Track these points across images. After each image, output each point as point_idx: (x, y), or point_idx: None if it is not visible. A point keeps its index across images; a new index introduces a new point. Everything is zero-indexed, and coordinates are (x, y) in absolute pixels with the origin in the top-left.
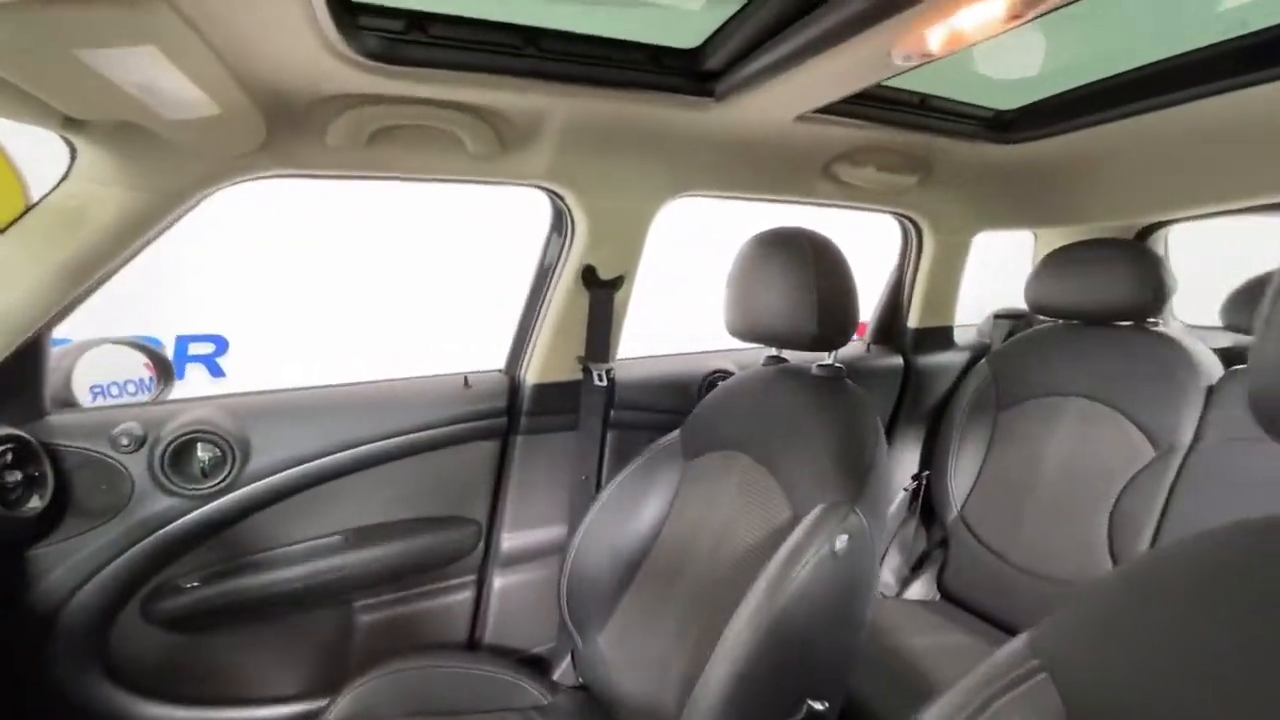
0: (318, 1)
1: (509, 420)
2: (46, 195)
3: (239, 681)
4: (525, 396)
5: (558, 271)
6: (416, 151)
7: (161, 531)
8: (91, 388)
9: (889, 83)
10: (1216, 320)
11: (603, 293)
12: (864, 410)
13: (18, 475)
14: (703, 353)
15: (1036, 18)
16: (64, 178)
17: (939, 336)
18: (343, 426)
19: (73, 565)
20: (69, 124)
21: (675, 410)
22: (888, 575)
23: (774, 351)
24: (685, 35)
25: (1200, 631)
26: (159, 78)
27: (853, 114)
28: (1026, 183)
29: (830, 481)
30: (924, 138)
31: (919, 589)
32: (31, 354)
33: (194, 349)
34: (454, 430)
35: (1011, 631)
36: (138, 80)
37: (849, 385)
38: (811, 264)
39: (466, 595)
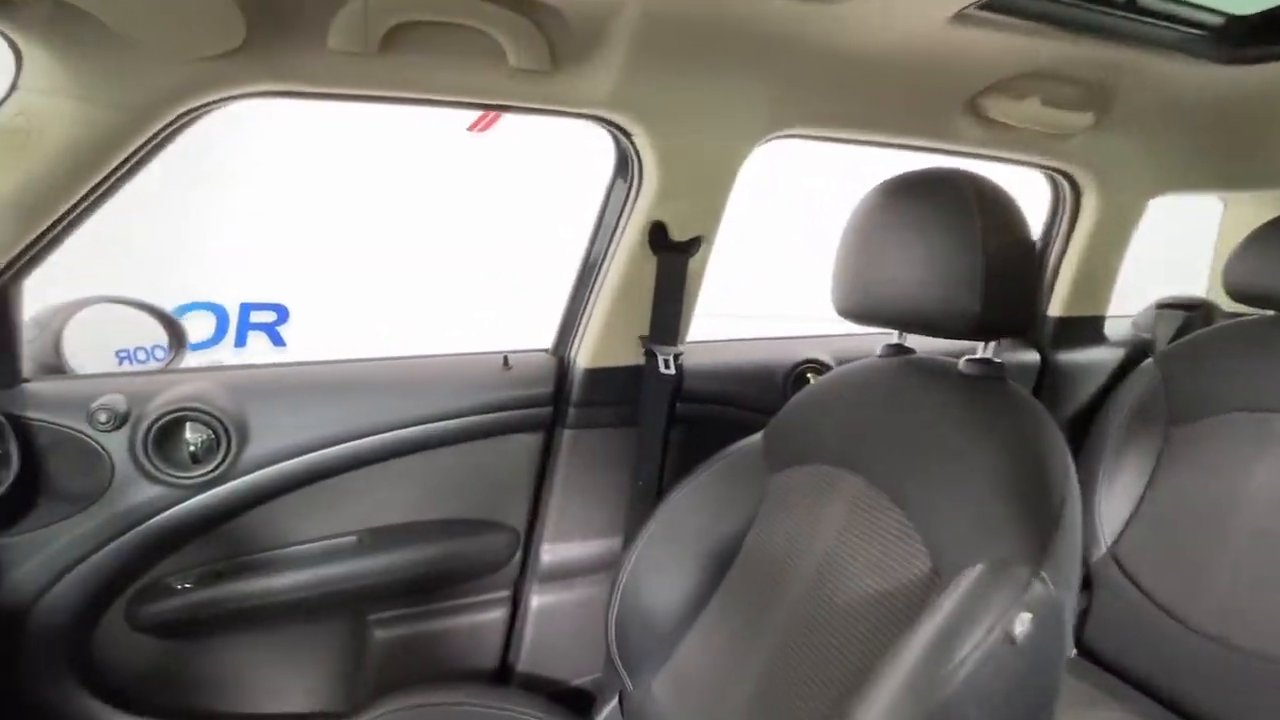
0: None
1: (555, 410)
2: None
3: (236, 698)
4: (575, 382)
5: (619, 230)
6: (443, 62)
7: (147, 524)
8: (118, 352)
9: None
10: None
11: (674, 258)
12: (1046, 430)
13: None
14: (791, 338)
15: None
16: (10, 89)
17: (1088, 328)
18: (359, 409)
19: (44, 559)
20: (4, 9)
21: (755, 408)
22: None
23: (895, 338)
24: None
25: None
26: None
27: (1029, 12)
28: (1239, 127)
29: (1000, 530)
30: (1116, 52)
31: None
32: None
33: (256, 317)
34: (490, 419)
35: (1189, 716)
36: None
37: (1016, 391)
38: (977, 217)
39: (499, 615)
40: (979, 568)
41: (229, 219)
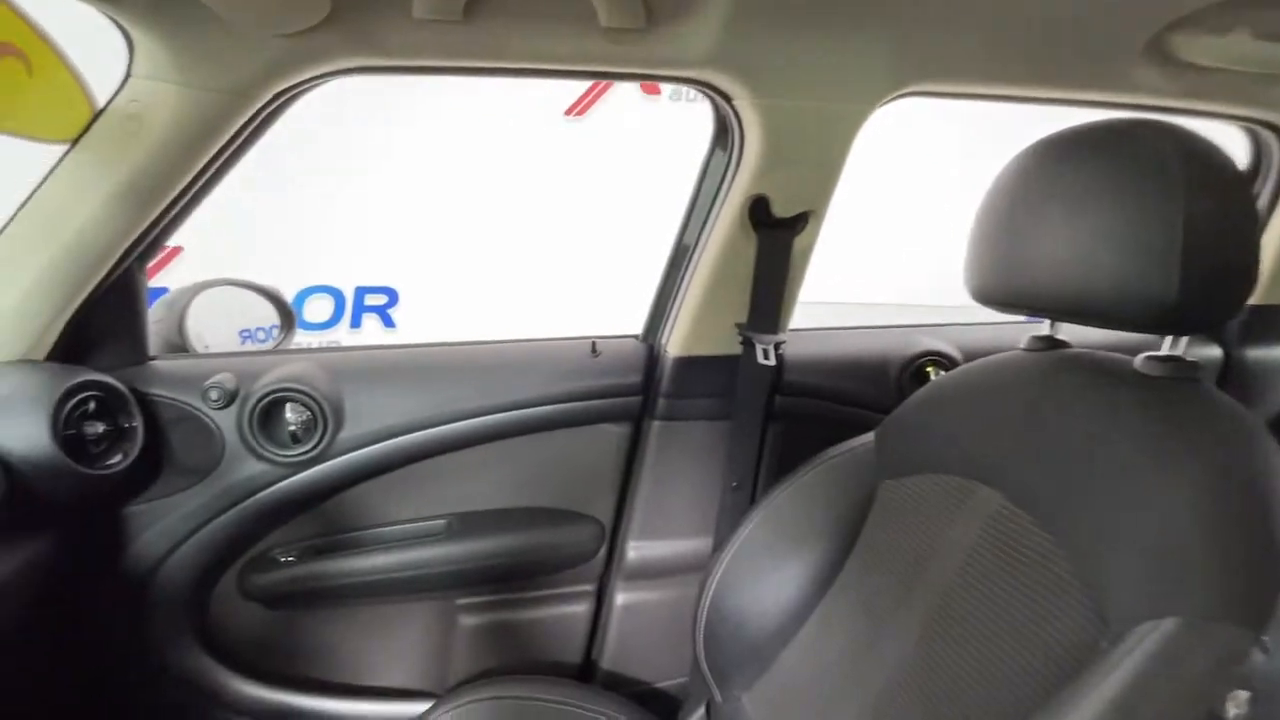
0: None
1: (644, 400)
2: (111, 99)
3: (334, 669)
4: (666, 371)
5: (716, 207)
6: (531, 27)
7: (254, 499)
8: (240, 332)
9: None
10: None
11: (777, 236)
12: (1263, 449)
13: (99, 427)
14: (909, 327)
15: None
16: (126, 77)
17: None
18: (449, 394)
19: (165, 527)
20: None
21: (864, 404)
22: None
23: (1045, 330)
24: None
25: None
26: None
27: None
28: None
29: (1198, 576)
30: None
31: None
32: (124, 290)
33: (369, 300)
34: (578, 407)
35: None
36: None
37: (1219, 398)
38: (1178, 179)
39: (584, 609)
40: (1169, 623)
41: (345, 206)
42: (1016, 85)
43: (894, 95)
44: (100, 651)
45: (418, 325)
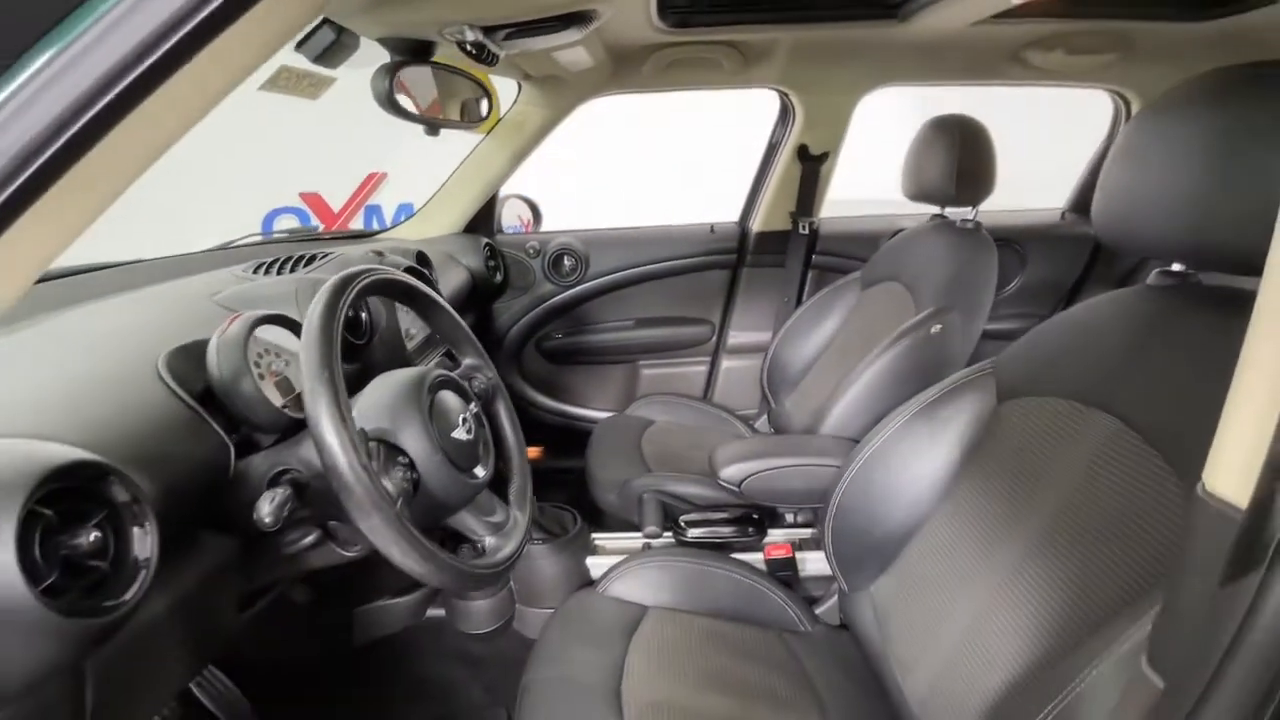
0: (650, 3)
1: (738, 257)
2: (506, 113)
3: (580, 398)
4: (751, 240)
5: (781, 150)
6: (692, 72)
7: (547, 303)
8: (507, 227)
9: None
10: None
11: (812, 165)
12: None
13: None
14: (890, 215)
15: None
16: (514, 103)
17: None
18: (636, 252)
19: (510, 315)
20: (526, 77)
21: (858, 258)
22: None
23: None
24: None
25: None
26: (575, 55)
27: (1029, 13)
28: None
29: None
30: (1111, 25)
31: None
32: (492, 201)
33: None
34: (702, 260)
35: None
36: (567, 59)
37: None
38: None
39: (703, 368)
40: None
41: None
42: (937, 81)
43: (871, 90)
44: None
45: None
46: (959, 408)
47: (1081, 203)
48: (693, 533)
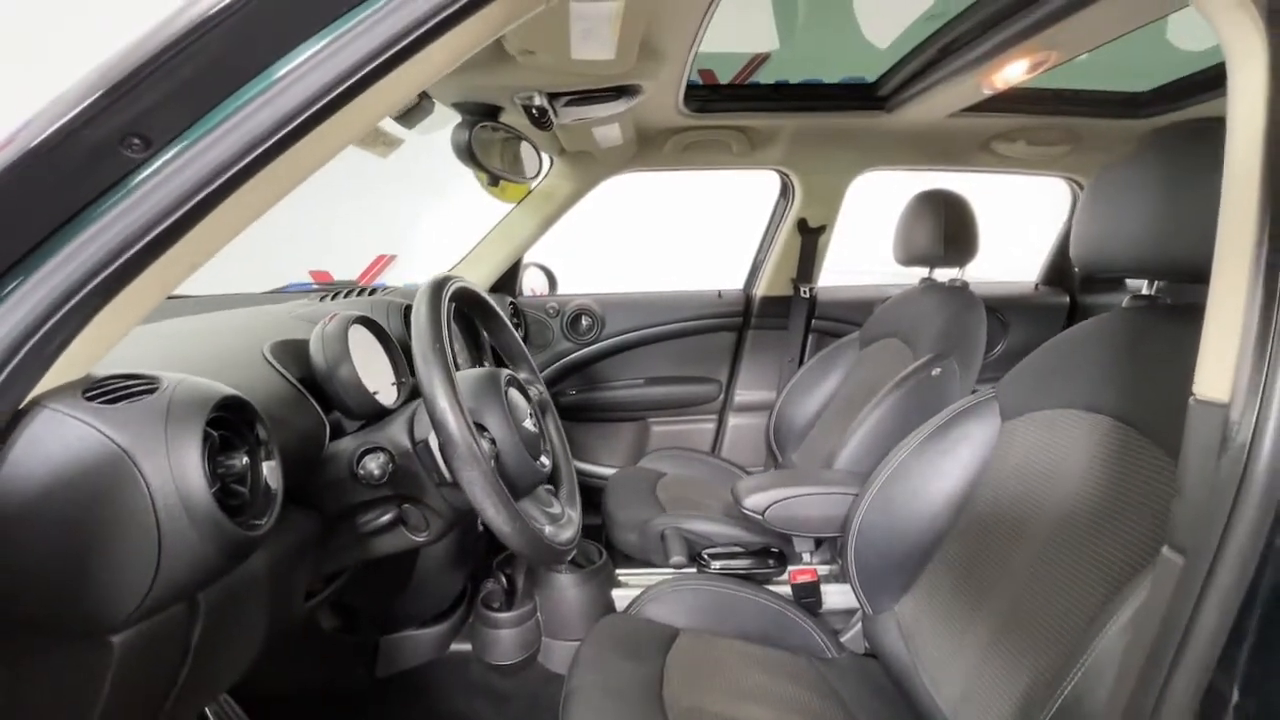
0: (680, 90)
1: (744, 319)
2: (536, 185)
3: (592, 454)
4: (755, 304)
5: (782, 223)
6: (705, 153)
7: (563, 360)
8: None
9: (1028, 84)
10: None
11: (810, 236)
12: None
13: (513, 320)
14: (881, 285)
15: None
16: (544, 175)
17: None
18: (649, 314)
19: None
20: (561, 152)
21: (854, 323)
22: None
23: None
24: (870, 72)
25: None
26: (610, 131)
27: (995, 109)
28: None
29: None
30: (1064, 120)
31: None
32: (515, 267)
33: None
34: (709, 323)
35: None
36: (601, 134)
37: None
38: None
39: (710, 424)
40: None
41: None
42: (918, 165)
43: (863, 171)
44: None
45: None
46: (967, 429)
47: (1053, 275)
48: (716, 565)
